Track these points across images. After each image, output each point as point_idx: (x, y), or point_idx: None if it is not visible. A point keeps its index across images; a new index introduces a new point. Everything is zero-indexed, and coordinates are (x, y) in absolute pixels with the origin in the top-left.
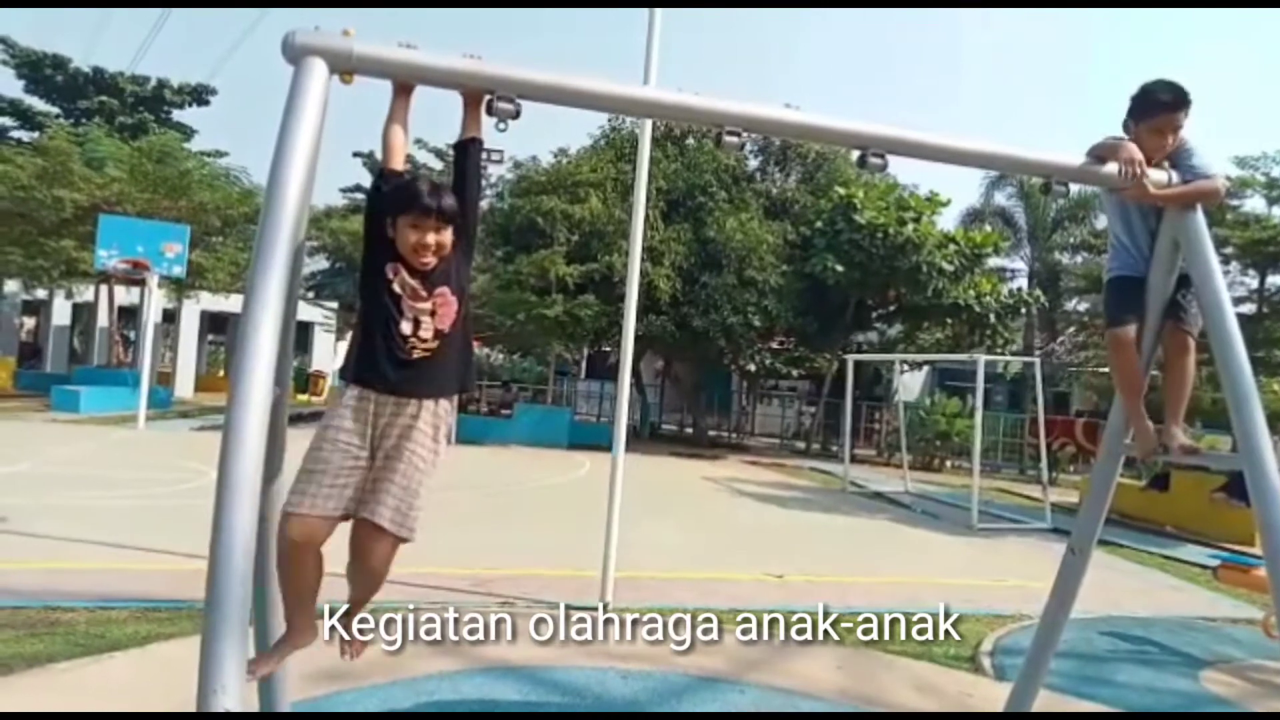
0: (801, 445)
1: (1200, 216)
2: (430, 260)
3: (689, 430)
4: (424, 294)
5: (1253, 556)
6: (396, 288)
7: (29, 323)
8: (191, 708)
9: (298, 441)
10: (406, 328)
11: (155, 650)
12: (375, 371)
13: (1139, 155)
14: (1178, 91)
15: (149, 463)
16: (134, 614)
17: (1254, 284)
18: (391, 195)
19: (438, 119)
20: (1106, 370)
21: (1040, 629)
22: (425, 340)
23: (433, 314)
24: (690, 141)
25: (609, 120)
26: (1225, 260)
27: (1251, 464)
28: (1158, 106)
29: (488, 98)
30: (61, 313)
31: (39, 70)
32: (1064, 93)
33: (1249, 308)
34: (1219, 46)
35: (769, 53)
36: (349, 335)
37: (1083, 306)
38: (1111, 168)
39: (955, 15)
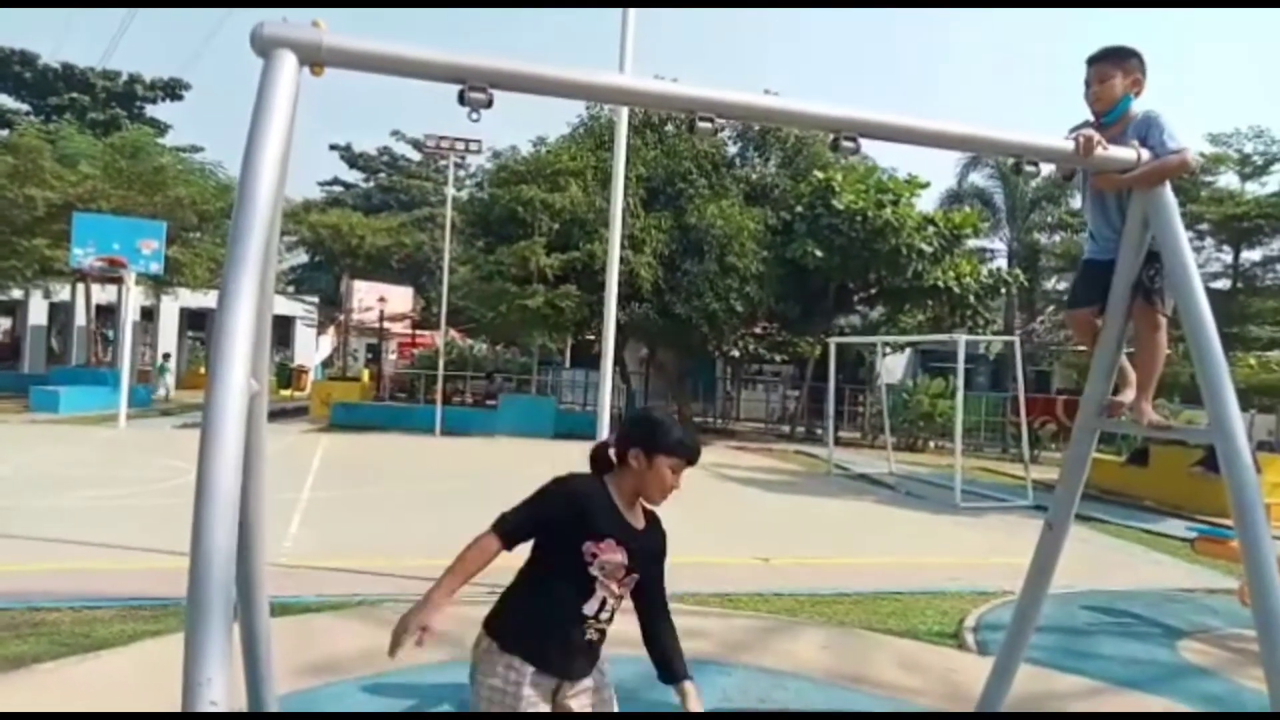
0: (786, 429)
1: (1169, 193)
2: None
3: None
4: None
5: (1229, 528)
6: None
7: (5, 323)
8: (178, 704)
9: (278, 437)
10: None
11: (141, 648)
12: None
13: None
14: None
15: (130, 462)
16: (119, 613)
17: (1228, 259)
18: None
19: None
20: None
21: (1020, 604)
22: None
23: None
24: (669, 129)
25: (587, 108)
26: (1199, 236)
27: (1223, 437)
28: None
29: (460, 87)
30: (38, 312)
31: (7, 67)
32: (1066, 91)
33: (1224, 283)
34: (1215, 44)
35: (763, 48)
36: (330, 330)
37: (1061, 285)
38: (1067, 143)
39: (954, 15)
